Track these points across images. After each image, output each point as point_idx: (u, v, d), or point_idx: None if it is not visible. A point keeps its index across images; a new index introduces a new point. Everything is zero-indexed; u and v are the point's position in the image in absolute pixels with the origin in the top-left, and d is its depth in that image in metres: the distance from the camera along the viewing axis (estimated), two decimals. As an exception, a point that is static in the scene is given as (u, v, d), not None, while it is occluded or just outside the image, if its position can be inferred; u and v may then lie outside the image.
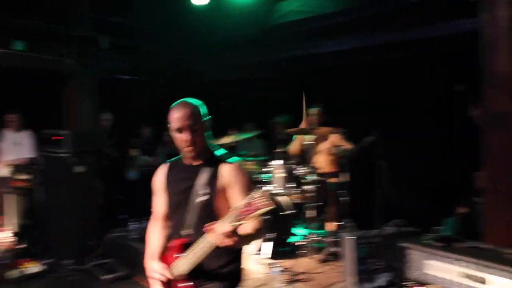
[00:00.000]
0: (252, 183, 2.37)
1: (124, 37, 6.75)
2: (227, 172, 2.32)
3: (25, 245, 6.12)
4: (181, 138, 2.28)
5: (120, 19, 6.82)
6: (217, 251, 2.15)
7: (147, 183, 7.01)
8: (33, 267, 5.49)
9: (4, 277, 5.21)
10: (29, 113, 6.86)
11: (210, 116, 2.37)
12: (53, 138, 5.76)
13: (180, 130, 2.27)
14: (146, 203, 6.75)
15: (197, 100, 2.36)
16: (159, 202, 2.57)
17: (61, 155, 5.71)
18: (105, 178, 6.31)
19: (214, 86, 7.81)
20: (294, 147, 5.93)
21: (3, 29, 5.63)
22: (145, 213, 6.44)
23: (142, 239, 5.76)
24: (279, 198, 5.14)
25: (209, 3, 6.23)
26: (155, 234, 2.59)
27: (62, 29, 6.09)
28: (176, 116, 2.27)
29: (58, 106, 6.55)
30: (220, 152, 2.43)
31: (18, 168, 6.49)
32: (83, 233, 5.75)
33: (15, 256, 5.89)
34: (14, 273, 5.30)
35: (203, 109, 2.35)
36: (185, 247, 2.29)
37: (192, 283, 2.27)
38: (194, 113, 2.29)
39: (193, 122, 2.26)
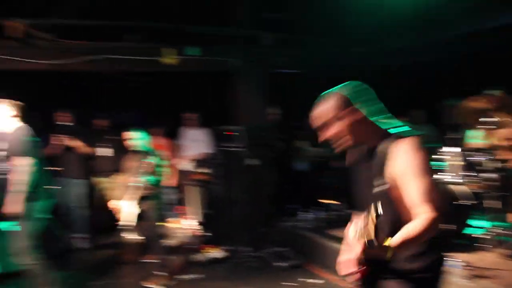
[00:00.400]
0: (426, 165, 1.92)
1: (286, 32, 6.86)
2: (397, 155, 1.93)
3: (208, 233, 6.71)
4: (325, 137, 2.08)
5: (279, 15, 6.96)
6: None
7: (314, 174, 7.17)
8: (215, 253, 6.02)
9: (191, 259, 5.79)
10: (205, 112, 7.49)
11: (369, 95, 2.09)
12: (226, 133, 6.23)
13: (319, 130, 2.08)
14: (313, 193, 6.97)
15: (344, 84, 2.09)
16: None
17: (235, 149, 6.13)
18: (275, 169, 6.56)
19: (377, 73, 7.54)
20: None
21: (178, 37, 6.20)
22: (312, 203, 6.67)
23: (312, 229, 5.95)
24: (455, 187, 4.76)
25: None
26: None
27: (227, 31, 6.47)
28: (311, 119, 2.09)
29: (230, 103, 6.98)
30: (397, 129, 2.04)
31: (199, 162, 7.13)
32: (257, 222, 6.08)
33: (200, 242, 6.51)
34: (199, 256, 5.85)
35: (350, 91, 2.05)
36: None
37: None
38: (327, 107, 2.04)
39: (328, 117, 2.03)
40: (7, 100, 4.10)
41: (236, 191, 6.21)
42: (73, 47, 5.70)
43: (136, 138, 5.26)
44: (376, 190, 1.96)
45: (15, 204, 4.01)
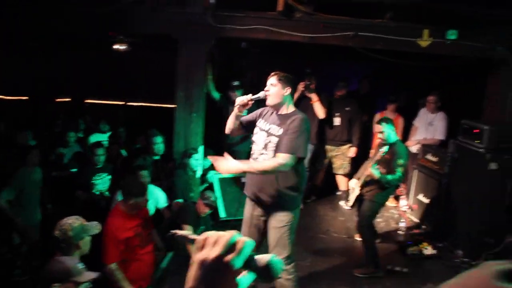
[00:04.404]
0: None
1: None
2: None
3: (424, 226, 6.48)
4: None
5: None
6: None
7: None
8: (426, 248, 5.78)
9: (407, 251, 5.68)
10: (450, 98, 6.99)
11: None
12: (471, 129, 5.70)
13: None
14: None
15: None
16: None
17: (476, 149, 5.61)
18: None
19: None
20: None
21: (439, 17, 5.72)
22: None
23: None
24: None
25: None
26: None
27: (493, 14, 5.70)
28: None
29: (482, 95, 6.32)
30: None
31: (427, 148, 6.77)
32: (483, 229, 5.60)
33: (413, 233, 6.34)
34: (415, 250, 5.70)
35: None
36: None
37: None
38: None
39: None
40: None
41: (467, 191, 5.74)
42: (331, 22, 5.73)
43: (385, 130, 5.22)
44: None
45: None
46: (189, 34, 5.93)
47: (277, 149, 3.67)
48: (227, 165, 3.58)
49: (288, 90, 3.73)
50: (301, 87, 6.35)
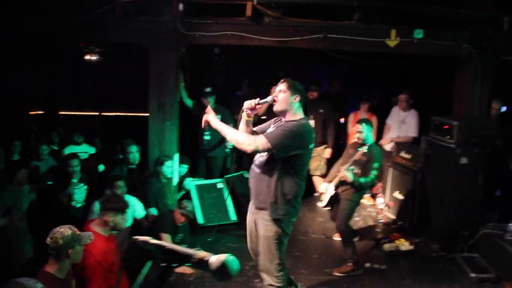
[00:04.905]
0: None
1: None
2: None
3: (400, 222, 6.58)
4: None
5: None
6: None
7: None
8: (402, 244, 5.86)
9: (384, 248, 5.76)
10: (422, 96, 7.13)
11: None
12: (444, 127, 5.83)
13: None
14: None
15: None
16: None
17: (447, 144, 5.74)
18: (487, 169, 6.00)
19: None
20: None
21: (406, 18, 5.85)
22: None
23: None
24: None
25: None
26: None
27: (461, 13, 5.86)
28: None
29: (450, 91, 6.47)
30: None
31: (401, 146, 6.90)
32: (457, 222, 5.72)
33: (389, 229, 6.44)
34: (392, 247, 5.78)
35: None
36: None
37: None
38: None
39: None
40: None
41: (440, 186, 5.86)
42: (299, 25, 5.80)
43: (364, 131, 5.35)
44: None
45: None
46: (159, 42, 5.93)
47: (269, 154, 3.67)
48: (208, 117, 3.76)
49: (297, 98, 3.71)
50: (273, 91, 6.40)
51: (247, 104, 3.69)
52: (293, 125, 3.62)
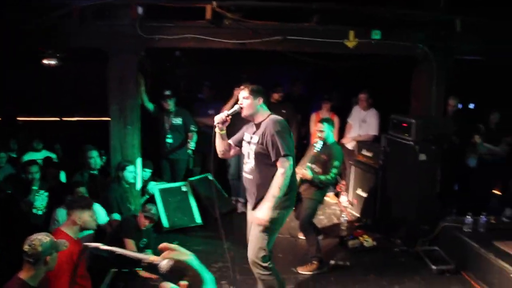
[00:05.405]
0: None
1: (478, 16, 6.15)
2: None
3: (363, 219, 6.71)
4: None
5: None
6: None
7: (485, 173, 6.60)
8: (366, 240, 5.98)
9: (348, 245, 5.86)
10: (381, 95, 7.29)
11: None
12: (400, 123, 5.99)
13: None
14: (482, 195, 6.46)
15: None
16: None
17: (405, 141, 5.89)
18: (444, 164, 6.19)
19: None
20: None
21: (364, 19, 5.99)
22: (481, 205, 6.20)
23: (474, 235, 5.56)
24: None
25: None
26: None
27: (416, 15, 6.05)
28: None
29: (408, 89, 6.66)
30: None
31: (362, 144, 7.05)
32: (417, 217, 5.88)
33: (353, 226, 6.56)
34: (356, 244, 5.89)
35: None
36: None
37: None
38: None
39: None
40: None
41: (401, 182, 6.02)
42: (259, 28, 5.84)
43: (325, 130, 5.44)
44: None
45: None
46: (118, 46, 5.88)
47: (257, 157, 3.89)
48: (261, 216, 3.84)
49: (260, 100, 3.98)
50: (237, 93, 6.46)
51: (218, 118, 3.91)
52: (272, 126, 3.83)
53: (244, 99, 3.96)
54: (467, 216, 5.59)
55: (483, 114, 6.96)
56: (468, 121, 6.87)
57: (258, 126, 3.98)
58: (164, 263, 1.13)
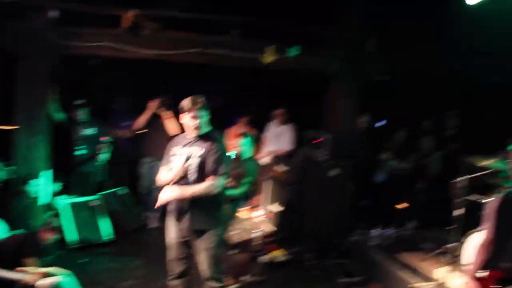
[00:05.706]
0: None
1: (389, 38, 6.54)
2: None
3: (276, 234, 6.78)
4: None
5: (388, 19, 6.65)
6: None
7: (393, 189, 6.95)
8: (279, 255, 6.03)
9: (254, 258, 5.87)
10: (299, 111, 7.46)
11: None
12: (313, 139, 6.19)
13: None
14: (390, 209, 6.80)
15: None
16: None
17: (318, 157, 6.09)
18: (355, 179, 6.45)
19: (481, 92, 7.07)
20: None
21: (279, 35, 6.13)
22: (389, 219, 6.52)
23: (380, 247, 5.84)
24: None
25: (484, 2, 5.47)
26: None
27: (331, 33, 6.30)
28: None
29: (322, 106, 6.89)
30: None
31: (278, 159, 7.17)
32: (329, 231, 6.06)
33: (266, 241, 6.59)
34: (262, 256, 5.90)
35: None
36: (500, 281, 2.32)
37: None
38: None
39: None
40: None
41: (313, 198, 6.18)
42: (178, 39, 5.80)
43: (240, 145, 5.49)
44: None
45: None
46: (29, 50, 5.58)
47: (200, 170, 3.69)
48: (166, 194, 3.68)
49: (207, 110, 3.77)
50: (154, 104, 6.38)
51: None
52: (217, 145, 3.72)
53: (196, 119, 3.71)
54: (374, 230, 5.86)
55: (393, 132, 7.35)
56: (378, 138, 7.23)
57: (200, 138, 3.77)
58: (41, 283, 1.06)
